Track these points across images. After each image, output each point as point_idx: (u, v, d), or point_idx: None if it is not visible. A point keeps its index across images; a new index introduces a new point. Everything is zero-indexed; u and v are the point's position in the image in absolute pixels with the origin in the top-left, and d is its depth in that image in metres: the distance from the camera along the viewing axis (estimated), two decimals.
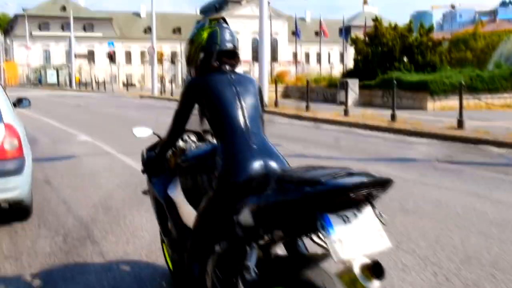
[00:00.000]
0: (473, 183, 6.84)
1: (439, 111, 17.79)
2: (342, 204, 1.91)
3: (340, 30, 72.23)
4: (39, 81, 67.70)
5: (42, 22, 77.65)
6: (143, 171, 3.22)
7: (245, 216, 2.18)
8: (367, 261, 1.84)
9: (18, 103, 6.21)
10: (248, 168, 2.38)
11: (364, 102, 21.43)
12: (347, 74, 26.24)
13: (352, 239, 1.86)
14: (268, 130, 2.70)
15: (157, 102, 28.45)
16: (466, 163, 8.51)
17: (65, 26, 69.86)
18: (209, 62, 2.69)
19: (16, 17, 75.96)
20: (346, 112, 16.11)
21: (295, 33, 61.66)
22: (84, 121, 16.60)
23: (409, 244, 4.32)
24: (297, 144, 10.22)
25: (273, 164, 2.42)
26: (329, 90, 24.95)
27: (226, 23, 2.78)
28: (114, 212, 5.41)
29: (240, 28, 70.11)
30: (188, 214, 2.80)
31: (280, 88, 25.05)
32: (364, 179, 1.90)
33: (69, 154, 9.32)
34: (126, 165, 8.13)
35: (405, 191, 6.11)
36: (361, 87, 22.13)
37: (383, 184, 1.95)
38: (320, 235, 1.94)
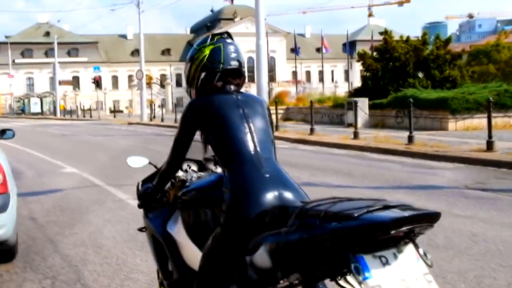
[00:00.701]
0: None
1: (462, 132, 17.49)
2: (378, 243, 1.78)
3: (344, 46, 72.70)
4: (22, 111, 68.23)
5: (25, 48, 78.71)
6: (139, 206, 3.14)
7: (261, 257, 2.07)
8: None
9: (1, 134, 6.14)
10: (261, 200, 2.27)
11: (375, 124, 21.31)
12: (355, 92, 26.23)
13: (394, 285, 1.72)
14: None
15: (147, 128, 28.49)
16: (502, 190, 8.18)
17: (48, 52, 70.59)
18: (212, 82, 2.60)
19: None
20: (356, 135, 16.03)
21: (294, 50, 61.98)
22: (69, 151, 16.64)
23: (446, 286, 4.08)
24: (303, 171, 10.02)
25: (289, 195, 2.31)
26: (334, 111, 24.90)
27: (231, 37, 2.70)
28: (105, 251, 5.32)
29: None
30: (192, 254, 2.71)
31: (280, 110, 25.04)
32: (406, 213, 1.76)
33: (54, 188, 9.27)
34: (116, 199, 8.05)
35: None
36: (371, 107, 21.96)
37: (428, 219, 1.82)
38: (349, 279, 1.81)
